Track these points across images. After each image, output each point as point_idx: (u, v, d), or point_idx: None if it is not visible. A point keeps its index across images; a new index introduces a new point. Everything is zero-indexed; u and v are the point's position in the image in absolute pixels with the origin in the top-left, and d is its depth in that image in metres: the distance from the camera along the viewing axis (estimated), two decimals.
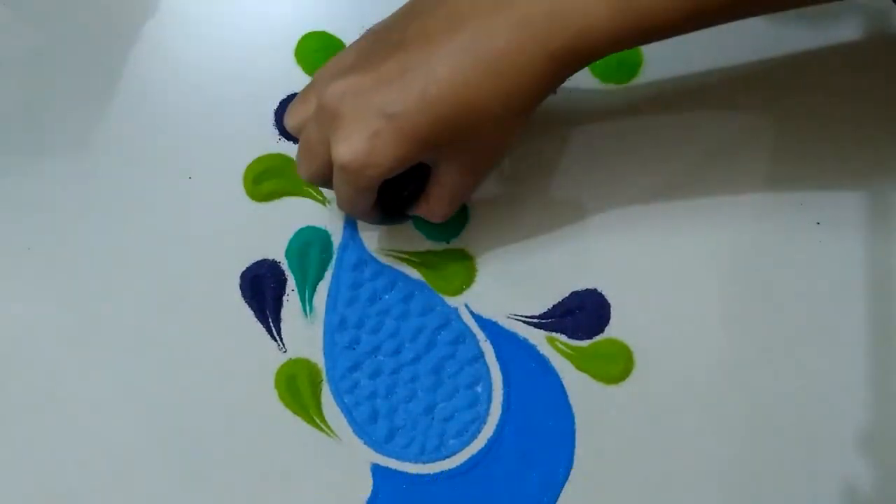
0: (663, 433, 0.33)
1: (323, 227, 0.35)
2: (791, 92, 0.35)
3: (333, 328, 0.34)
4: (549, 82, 0.27)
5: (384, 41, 0.28)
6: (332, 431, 0.34)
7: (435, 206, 0.31)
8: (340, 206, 0.31)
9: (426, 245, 0.35)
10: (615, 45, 0.26)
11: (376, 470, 0.33)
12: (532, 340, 0.34)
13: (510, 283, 0.34)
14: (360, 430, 0.34)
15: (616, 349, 0.34)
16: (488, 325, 0.34)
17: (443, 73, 0.26)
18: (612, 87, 0.35)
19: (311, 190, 0.35)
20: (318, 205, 0.35)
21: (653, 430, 0.33)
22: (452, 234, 0.35)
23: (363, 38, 0.30)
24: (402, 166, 0.28)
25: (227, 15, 0.37)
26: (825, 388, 0.33)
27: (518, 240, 0.35)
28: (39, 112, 0.37)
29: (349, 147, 0.27)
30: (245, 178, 0.35)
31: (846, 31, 0.36)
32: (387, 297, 0.34)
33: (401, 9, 0.30)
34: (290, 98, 0.36)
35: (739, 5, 0.26)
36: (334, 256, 0.35)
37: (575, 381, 0.33)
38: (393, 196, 0.31)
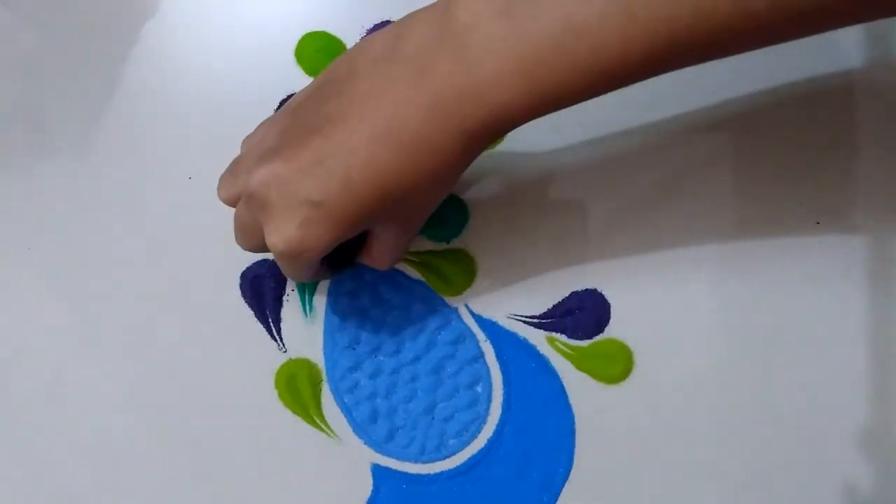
0: (663, 433, 0.33)
1: None
2: (791, 91, 0.35)
3: (333, 328, 0.34)
4: (470, 155, 0.27)
5: (301, 125, 0.28)
6: (332, 431, 0.34)
7: (377, 259, 0.31)
8: (287, 276, 0.32)
9: (426, 245, 0.35)
10: (531, 115, 0.26)
11: (376, 470, 0.33)
12: (532, 340, 0.34)
13: (510, 283, 0.34)
14: (360, 430, 0.34)
15: (616, 349, 0.34)
16: (488, 325, 0.34)
17: (362, 158, 0.26)
18: None
19: None
20: None
21: (653, 430, 0.33)
22: (452, 234, 0.35)
23: (284, 113, 0.30)
24: (337, 244, 0.28)
25: (227, 15, 0.37)
26: (825, 388, 0.33)
27: (518, 240, 0.35)
28: (39, 112, 0.37)
29: (281, 237, 0.27)
30: None
31: (846, 29, 0.36)
32: (387, 297, 0.34)
33: (316, 82, 0.29)
34: (290, 98, 0.36)
35: (656, 65, 0.26)
36: None
37: (575, 381, 0.33)
38: (337, 250, 0.31)
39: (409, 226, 0.31)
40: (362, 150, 0.26)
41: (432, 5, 0.27)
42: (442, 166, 0.27)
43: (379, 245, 0.31)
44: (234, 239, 0.35)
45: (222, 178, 0.31)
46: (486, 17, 0.25)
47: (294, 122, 0.29)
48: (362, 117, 0.26)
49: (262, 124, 0.32)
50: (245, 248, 0.31)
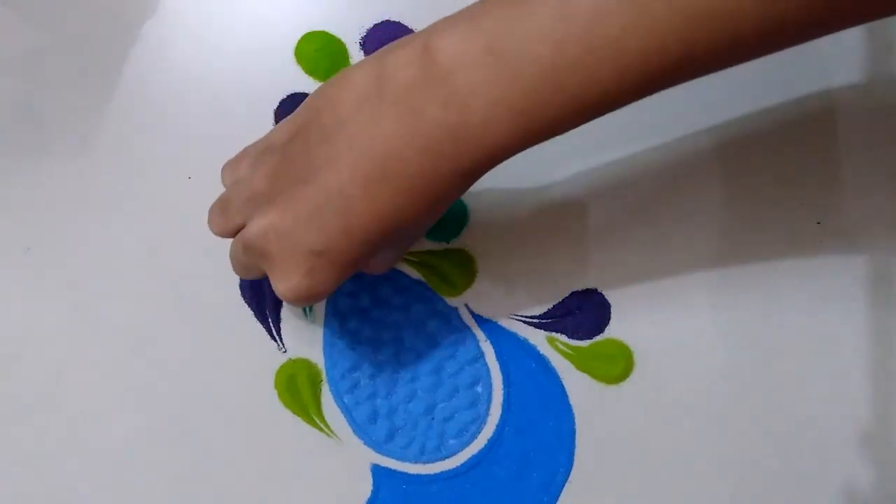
0: (663, 433, 0.33)
1: None
2: (792, 91, 0.35)
3: (333, 328, 0.34)
4: (466, 187, 0.28)
5: (291, 173, 0.28)
6: (332, 431, 0.34)
7: (374, 270, 0.32)
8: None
9: (426, 245, 0.35)
10: (526, 146, 0.26)
11: (376, 470, 0.33)
12: (532, 340, 0.34)
13: (510, 283, 0.34)
14: (360, 430, 0.34)
15: (616, 349, 0.34)
16: (488, 325, 0.34)
17: (359, 204, 0.26)
18: None
19: None
20: None
21: (653, 430, 0.33)
22: (452, 234, 0.35)
23: (268, 151, 0.29)
24: (344, 281, 0.28)
25: (227, 15, 0.37)
26: (825, 388, 0.33)
27: (518, 240, 0.35)
28: (39, 112, 0.37)
29: (290, 287, 0.28)
30: None
31: (846, 31, 0.36)
32: (387, 297, 0.34)
33: (298, 120, 0.29)
34: (291, 98, 0.36)
35: (649, 89, 0.25)
36: None
37: (575, 381, 0.33)
38: None
39: (406, 245, 0.32)
40: (358, 196, 0.26)
41: (411, 40, 0.26)
42: (438, 201, 0.27)
43: (376, 262, 0.31)
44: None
45: (211, 213, 0.31)
46: (470, 59, 0.25)
47: (283, 168, 0.28)
48: (355, 164, 0.26)
49: (244, 157, 0.31)
50: (243, 278, 0.32)
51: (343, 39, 0.37)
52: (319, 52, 0.36)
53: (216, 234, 0.31)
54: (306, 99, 0.29)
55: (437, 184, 0.26)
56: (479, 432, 0.33)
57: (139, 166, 0.36)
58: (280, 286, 0.28)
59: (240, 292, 0.35)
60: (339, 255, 0.27)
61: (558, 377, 0.34)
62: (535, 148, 0.35)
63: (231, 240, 0.31)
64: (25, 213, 0.36)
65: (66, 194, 0.36)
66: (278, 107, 0.36)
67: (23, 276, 0.35)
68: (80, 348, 0.34)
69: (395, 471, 0.33)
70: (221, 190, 0.35)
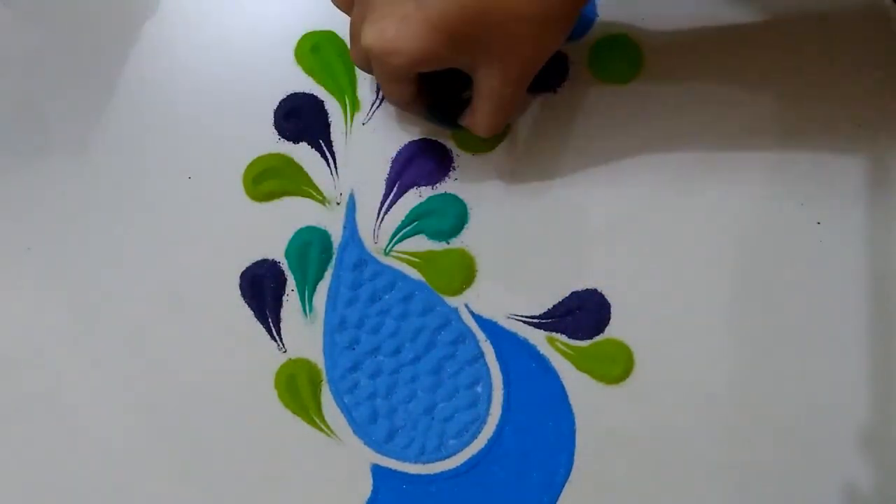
0: (663, 433, 0.33)
1: (323, 227, 0.35)
2: (791, 91, 0.35)
3: (333, 328, 0.34)
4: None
5: None
6: (332, 431, 0.34)
7: (478, 117, 0.31)
8: (384, 94, 0.32)
9: (426, 245, 0.35)
10: None
11: (376, 470, 0.33)
12: (532, 340, 0.34)
13: (510, 283, 0.34)
14: (360, 430, 0.34)
15: (616, 349, 0.34)
16: (488, 325, 0.34)
17: None
18: (612, 87, 0.35)
19: (310, 190, 0.35)
20: (318, 205, 0.35)
21: (653, 430, 0.33)
22: (452, 234, 0.35)
23: None
24: (429, 59, 0.28)
25: (226, 15, 0.37)
26: (825, 388, 0.33)
27: (518, 240, 0.35)
28: (39, 112, 0.37)
29: (375, 30, 0.27)
30: (245, 178, 0.35)
31: (846, 31, 0.36)
32: (387, 297, 0.34)
33: None
34: (290, 98, 0.36)
35: None
36: (334, 256, 0.35)
37: (575, 381, 0.33)
38: (449, 98, 0.32)
39: (511, 74, 0.29)
40: None
41: None
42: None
43: (479, 100, 0.30)
44: (234, 239, 0.35)
45: None
46: None
47: None
48: None
49: None
50: (353, 59, 0.31)
51: (343, 39, 0.37)
52: (319, 52, 0.36)
53: (337, 4, 0.31)
54: None
55: None
56: (479, 432, 0.33)
57: (139, 166, 0.36)
58: (368, 30, 0.27)
59: (240, 292, 0.35)
60: (437, 13, 0.26)
61: (558, 377, 0.34)
62: (535, 148, 0.35)
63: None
64: (25, 213, 0.36)
65: (66, 194, 0.36)
66: (278, 107, 0.36)
67: (23, 276, 0.35)
68: (80, 348, 0.34)
69: (395, 471, 0.33)
70: (221, 190, 0.36)
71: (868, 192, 0.34)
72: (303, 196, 0.35)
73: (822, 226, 0.34)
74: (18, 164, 0.36)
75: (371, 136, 0.36)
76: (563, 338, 0.34)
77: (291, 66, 0.36)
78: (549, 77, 0.35)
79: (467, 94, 0.32)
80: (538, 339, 0.34)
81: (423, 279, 0.35)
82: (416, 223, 0.35)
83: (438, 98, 0.33)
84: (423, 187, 0.35)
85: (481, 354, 0.34)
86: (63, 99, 0.37)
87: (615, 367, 0.33)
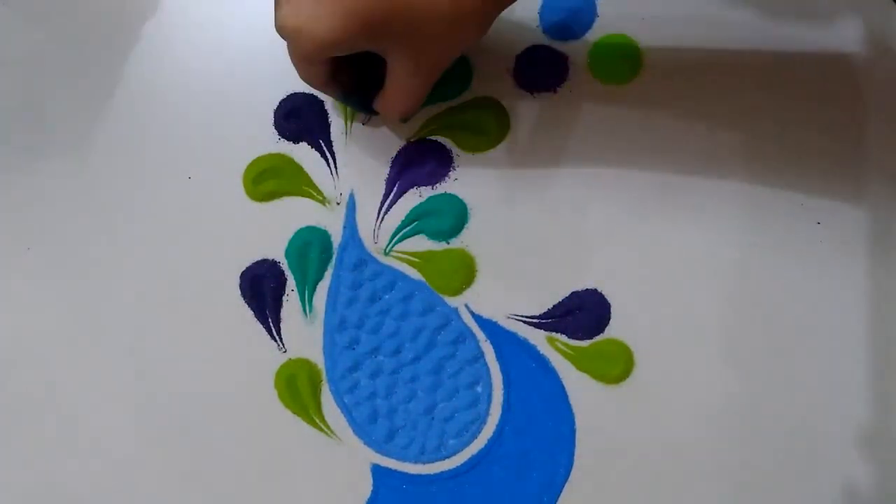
0: (663, 433, 0.33)
1: (323, 227, 0.35)
2: (791, 92, 0.35)
3: (333, 328, 0.34)
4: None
5: None
6: (332, 431, 0.34)
7: (389, 100, 0.31)
8: (298, 74, 0.32)
9: (426, 245, 0.35)
10: None
11: (376, 470, 0.33)
12: (532, 340, 0.34)
13: (510, 283, 0.34)
14: (360, 430, 0.34)
15: (616, 349, 0.34)
16: (488, 325, 0.34)
17: None
18: (612, 87, 0.35)
19: (310, 190, 0.35)
20: (318, 205, 0.35)
21: (653, 430, 0.33)
22: (452, 233, 0.35)
23: None
24: (340, 43, 0.28)
25: (226, 15, 0.37)
26: (825, 388, 0.33)
27: (518, 240, 0.35)
28: (39, 112, 0.37)
29: (290, 9, 0.27)
30: (245, 178, 0.35)
31: (846, 31, 0.36)
32: (387, 297, 0.34)
33: None
34: (290, 98, 0.36)
35: None
36: (334, 256, 0.35)
37: (575, 381, 0.33)
38: (366, 82, 0.32)
39: (424, 64, 0.29)
40: None
41: None
42: None
43: (391, 84, 0.30)
44: (234, 239, 0.35)
45: None
46: None
47: None
48: None
49: None
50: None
51: None
52: None
53: None
54: None
55: None
56: (479, 432, 0.33)
57: (139, 166, 0.36)
58: (282, 10, 0.27)
59: (240, 292, 0.35)
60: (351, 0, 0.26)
61: (558, 377, 0.34)
62: (535, 148, 0.35)
63: None
64: (25, 213, 0.36)
65: (66, 194, 0.36)
66: (278, 107, 0.36)
67: (23, 276, 0.35)
68: (79, 348, 0.34)
69: (395, 471, 0.33)
70: (221, 190, 0.36)
71: (868, 192, 0.34)
72: (303, 196, 0.35)
73: (822, 226, 0.34)
74: (18, 164, 0.36)
75: (371, 136, 0.36)
76: (563, 338, 0.34)
77: (291, 67, 0.36)
78: (549, 77, 0.35)
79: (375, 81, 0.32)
80: (538, 339, 0.34)
81: (423, 279, 0.35)
82: (416, 223, 0.35)
83: (356, 81, 0.32)
84: (423, 187, 0.35)
85: (481, 354, 0.34)
86: (63, 99, 0.37)
87: (615, 367, 0.33)
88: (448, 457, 0.33)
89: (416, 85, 0.30)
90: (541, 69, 0.35)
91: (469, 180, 0.35)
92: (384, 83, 0.32)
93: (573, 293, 0.34)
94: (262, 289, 0.35)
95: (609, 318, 0.34)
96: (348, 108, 0.36)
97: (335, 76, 0.32)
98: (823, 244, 0.34)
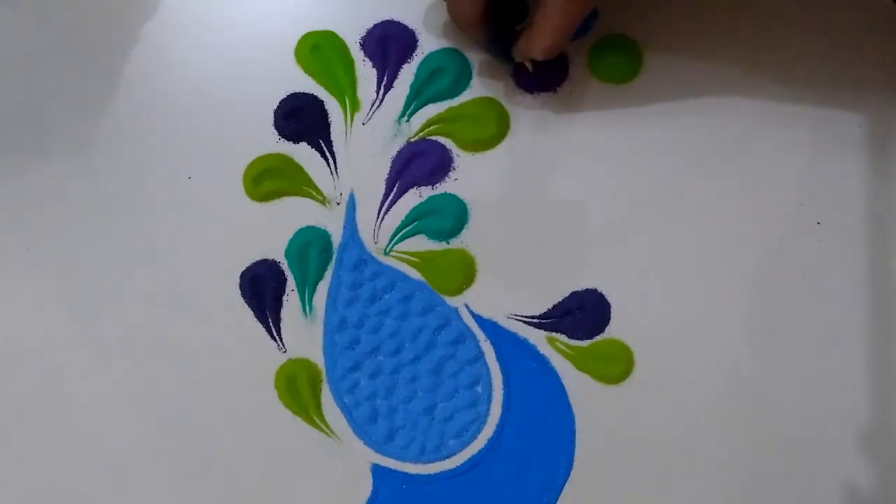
0: (663, 433, 0.33)
1: (323, 227, 0.35)
2: (791, 92, 0.35)
3: (333, 328, 0.34)
4: None
5: None
6: (331, 431, 0.34)
7: (537, 36, 0.31)
8: (449, 10, 0.33)
9: (426, 245, 0.35)
10: None
11: (376, 470, 0.33)
12: (532, 340, 0.34)
13: (510, 283, 0.34)
14: (360, 430, 0.34)
15: (616, 349, 0.34)
16: (488, 325, 0.34)
17: None
18: (612, 86, 0.35)
19: (310, 190, 0.35)
20: (318, 205, 0.35)
21: (653, 430, 0.33)
22: (452, 234, 0.35)
23: None
24: None
25: (227, 15, 0.37)
26: (826, 388, 0.33)
27: (518, 240, 0.35)
28: (39, 112, 0.37)
29: None
30: (245, 178, 0.35)
31: (847, 33, 0.36)
32: (387, 297, 0.34)
33: None
34: (290, 98, 0.36)
35: None
36: (334, 256, 0.35)
37: (575, 381, 0.33)
38: (508, 33, 0.33)
39: None
40: None
41: None
42: None
43: (545, 14, 0.30)
44: (234, 239, 0.35)
45: None
46: None
47: None
48: None
49: None
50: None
51: (344, 39, 0.37)
52: (319, 52, 0.36)
53: None
54: None
55: None
56: (479, 432, 0.33)
57: (139, 166, 0.36)
58: None
59: (240, 292, 0.35)
60: None
61: (558, 377, 0.34)
62: (535, 148, 0.35)
63: None
64: (25, 213, 0.36)
65: (66, 194, 0.36)
66: (278, 107, 0.36)
67: (23, 276, 0.35)
68: (79, 348, 0.34)
69: (395, 471, 0.33)
70: (221, 190, 0.36)
71: (868, 192, 0.34)
72: (303, 196, 0.35)
73: (822, 226, 0.34)
74: (18, 164, 0.36)
75: (371, 136, 0.36)
76: (563, 338, 0.34)
77: (291, 66, 0.36)
78: (549, 77, 0.35)
79: (521, 27, 0.33)
80: (538, 339, 0.34)
81: (423, 279, 0.35)
82: (416, 223, 0.35)
83: (499, 29, 0.33)
84: (423, 187, 0.35)
85: (481, 354, 0.34)
86: (63, 99, 0.37)
87: (615, 367, 0.33)
88: (448, 457, 0.33)
89: (569, 15, 0.31)
90: (541, 69, 0.35)
91: (469, 180, 0.35)
92: (520, 32, 0.32)
93: (573, 293, 0.34)
94: (262, 289, 0.35)
95: (609, 318, 0.34)
96: (348, 109, 0.36)
97: (485, 16, 0.32)
98: (823, 244, 0.34)
